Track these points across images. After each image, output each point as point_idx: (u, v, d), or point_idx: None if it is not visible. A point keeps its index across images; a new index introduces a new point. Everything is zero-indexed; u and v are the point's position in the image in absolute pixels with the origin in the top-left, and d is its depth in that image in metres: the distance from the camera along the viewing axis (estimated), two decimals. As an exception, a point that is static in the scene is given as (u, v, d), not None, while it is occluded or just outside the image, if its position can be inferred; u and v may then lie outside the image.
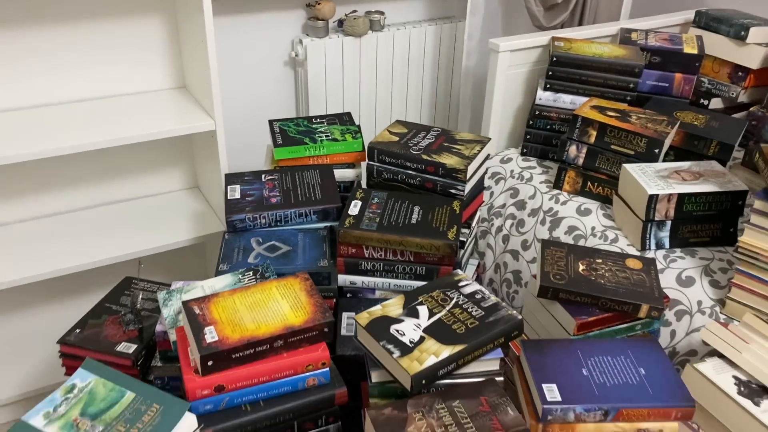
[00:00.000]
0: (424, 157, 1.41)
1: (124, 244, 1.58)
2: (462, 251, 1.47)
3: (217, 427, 0.98)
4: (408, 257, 1.30)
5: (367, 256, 1.31)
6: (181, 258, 1.90)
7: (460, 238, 1.46)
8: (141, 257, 1.63)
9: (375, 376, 1.04)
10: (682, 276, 1.32)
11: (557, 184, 1.62)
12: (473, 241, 1.65)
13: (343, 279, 1.34)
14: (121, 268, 1.82)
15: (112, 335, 1.23)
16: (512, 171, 1.74)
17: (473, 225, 1.54)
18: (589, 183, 1.58)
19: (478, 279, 1.71)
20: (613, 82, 1.65)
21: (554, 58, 1.66)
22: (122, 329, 1.24)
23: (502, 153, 1.82)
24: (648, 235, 1.40)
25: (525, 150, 1.78)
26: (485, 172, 1.56)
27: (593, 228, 1.50)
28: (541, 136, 1.75)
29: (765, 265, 1.17)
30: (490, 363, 1.06)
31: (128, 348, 1.19)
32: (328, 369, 1.05)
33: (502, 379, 1.06)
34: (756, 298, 1.20)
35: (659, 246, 1.40)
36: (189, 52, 1.61)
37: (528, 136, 1.77)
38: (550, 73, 1.69)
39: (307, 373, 1.03)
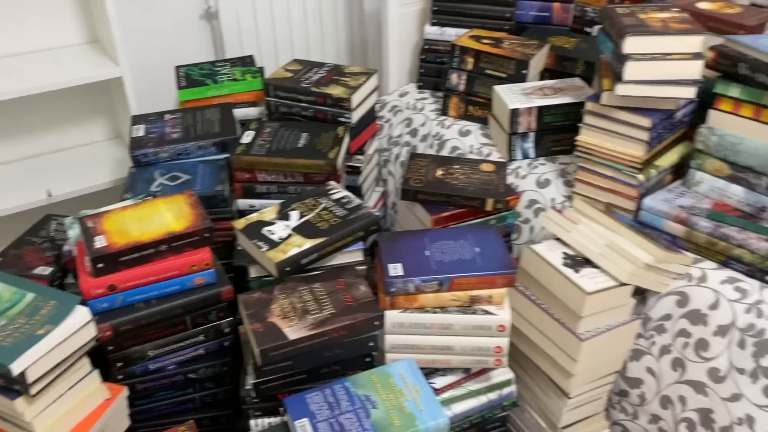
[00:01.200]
0: (314, 89, 1.56)
1: (45, 190, 1.71)
2: (361, 177, 1.64)
3: (113, 321, 1.14)
4: (298, 178, 1.45)
5: (260, 179, 1.46)
6: (106, 202, 2.04)
7: (355, 164, 1.63)
8: (62, 200, 1.76)
9: (253, 271, 1.20)
10: (540, 179, 1.49)
11: (444, 111, 1.78)
12: (375, 169, 1.81)
13: (243, 203, 1.49)
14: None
15: (30, 261, 1.38)
16: (408, 103, 1.89)
17: (370, 152, 1.70)
18: (470, 107, 1.74)
19: (384, 204, 1.87)
20: (491, 13, 1.80)
21: (436, -6, 1.80)
22: (39, 256, 1.38)
23: (402, 88, 1.97)
24: (514, 147, 1.56)
25: (421, 83, 1.93)
26: (377, 102, 1.71)
27: (471, 146, 1.66)
28: (433, 68, 1.89)
29: (599, 159, 1.34)
30: (353, 254, 1.23)
31: (45, 270, 1.34)
32: (213, 270, 1.21)
33: (364, 267, 1.23)
34: (596, 189, 1.37)
35: (525, 156, 1.57)
36: (97, 6, 1.72)
37: (422, 70, 1.91)
38: (435, 8, 1.83)
39: (193, 274, 1.19)
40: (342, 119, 1.56)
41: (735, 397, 1.12)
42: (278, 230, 1.19)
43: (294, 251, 1.14)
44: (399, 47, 1.98)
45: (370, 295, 1.12)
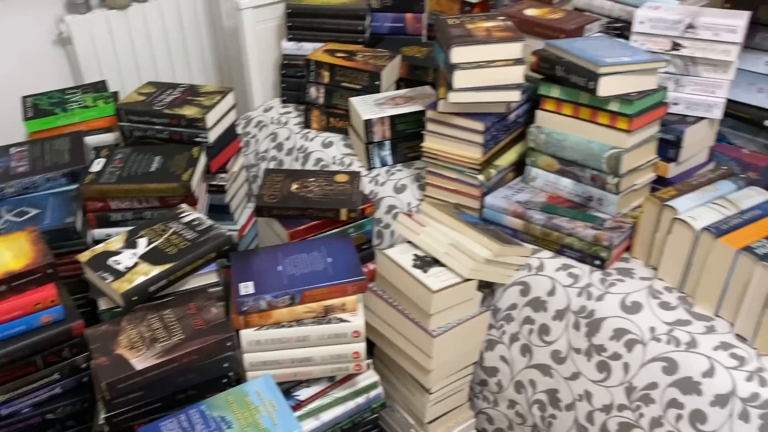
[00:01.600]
0: (167, 111, 1.54)
1: None
2: (227, 196, 1.63)
3: (-48, 370, 1.08)
4: (153, 203, 1.43)
5: (114, 207, 1.43)
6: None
7: (219, 183, 1.62)
8: None
9: (102, 304, 1.18)
10: (397, 185, 1.55)
11: (306, 124, 1.81)
12: (245, 185, 1.81)
13: (99, 233, 1.45)
14: None
15: None
16: (272, 118, 1.91)
17: (235, 170, 1.70)
18: (331, 119, 1.77)
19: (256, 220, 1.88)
20: (344, 27, 1.85)
21: (289, 10, 1.83)
22: None
23: (267, 103, 1.99)
24: (372, 155, 1.61)
25: (285, 98, 1.95)
26: (242, 118, 1.72)
27: (334, 157, 1.70)
28: (295, 83, 1.92)
29: (443, 163, 1.41)
30: (206, 276, 1.23)
31: None
32: (60, 306, 1.17)
33: (220, 288, 1.23)
34: (444, 191, 1.44)
35: (383, 163, 1.63)
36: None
37: (284, 85, 1.93)
38: (290, 24, 1.86)
39: (38, 312, 1.16)
40: (198, 139, 1.55)
41: (574, 376, 1.21)
42: (124, 259, 1.18)
43: (140, 279, 1.13)
44: (260, 63, 1.99)
45: (222, 316, 1.12)
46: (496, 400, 1.35)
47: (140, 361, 1.04)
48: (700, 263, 1.14)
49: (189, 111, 1.55)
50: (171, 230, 1.25)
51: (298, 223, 1.35)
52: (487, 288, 1.34)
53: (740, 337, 1.09)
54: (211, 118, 1.57)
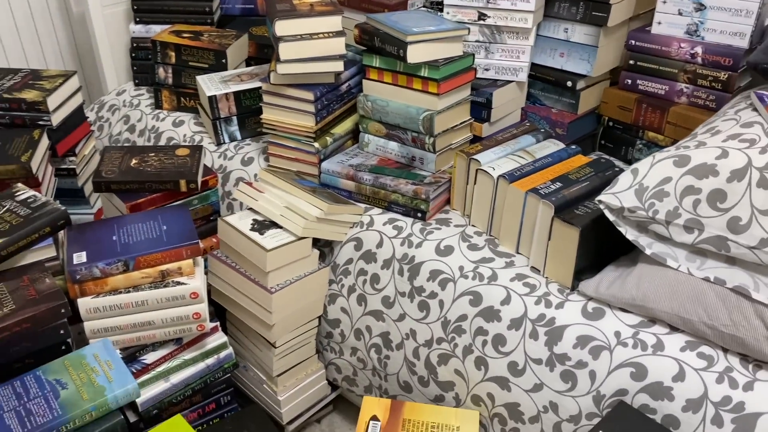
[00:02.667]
0: (5, 95, 1.54)
1: None
2: (80, 179, 1.64)
3: None
4: (-7, 187, 1.43)
5: (-50, 193, 1.41)
6: None
7: (69, 166, 1.63)
8: None
9: (-68, 284, 1.18)
10: (245, 158, 1.62)
11: (158, 105, 1.84)
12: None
13: (-63, 219, 1.44)
14: None
15: None
16: (125, 101, 1.92)
17: (86, 153, 1.71)
18: (182, 98, 1.82)
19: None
20: (192, 8, 1.89)
21: (131, -7, 1.85)
22: None
23: (120, 87, 1.99)
24: (220, 131, 1.67)
25: (137, 81, 1.97)
26: (84, 103, 1.72)
27: (185, 135, 1.75)
28: (146, 65, 1.94)
29: (282, 133, 1.49)
30: (44, 251, 1.25)
31: None
32: None
33: (58, 262, 1.26)
34: (285, 160, 1.53)
35: (233, 138, 1.69)
36: None
37: (135, 68, 1.95)
38: (135, 7, 1.88)
39: None
40: (41, 122, 1.56)
41: (401, 317, 1.33)
42: (-47, 238, 1.19)
43: (-31, 256, 1.15)
44: (110, 47, 1.99)
45: (54, 286, 1.16)
46: (341, 350, 1.45)
47: (-32, 333, 1.06)
48: (500, 207, 1.29)
49: (29, 95, 1.55)
50: (4, 208, 1.27)
51: (138, 197, 1.39)
52: (327, 246, 1.44)
53: (534, 269, 1.24)
54: (53, 101, 1.57)
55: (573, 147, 1.40)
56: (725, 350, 1.04)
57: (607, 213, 1.11)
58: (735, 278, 1.03)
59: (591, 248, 1.18)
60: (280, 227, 1.36)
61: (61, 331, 1.16)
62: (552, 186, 1.23)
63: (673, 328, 1.08)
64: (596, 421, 1.09)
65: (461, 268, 1.26)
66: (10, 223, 1.23)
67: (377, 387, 1.43)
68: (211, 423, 1.42)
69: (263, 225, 1.36)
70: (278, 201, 1.38)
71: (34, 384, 1.10)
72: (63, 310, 1.14)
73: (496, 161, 1.32)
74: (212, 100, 1.63)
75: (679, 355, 1.04)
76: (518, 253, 1.28)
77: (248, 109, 1.68)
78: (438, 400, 1.31)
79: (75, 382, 1.10)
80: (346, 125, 1.55)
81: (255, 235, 1.33)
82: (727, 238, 1.02)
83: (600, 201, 1.11)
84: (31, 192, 1.33)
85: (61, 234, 1.36)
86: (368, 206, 1.44)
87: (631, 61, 1.52)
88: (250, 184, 1.44)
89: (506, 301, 1.19)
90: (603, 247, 1.21)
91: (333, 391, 1.56)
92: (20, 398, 1.07)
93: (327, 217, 1.34)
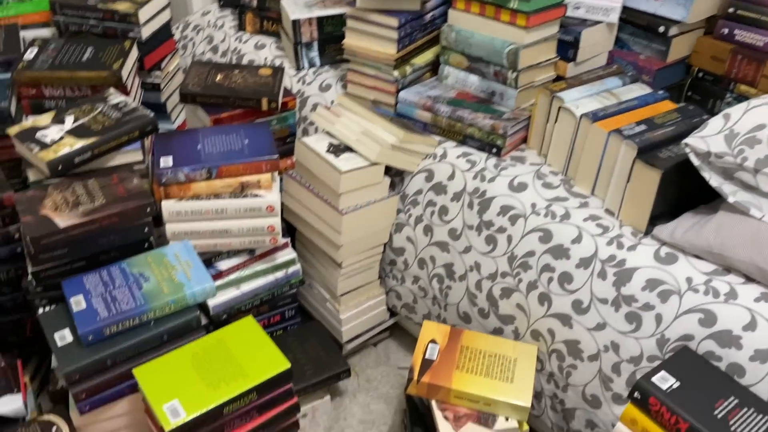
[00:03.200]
0: (99, 6, 1.59)
1: None
2: (163, 95, 1.70)
3: None
4: (85, 91, 1.50)
5: (47, 95, 1.49)
6: None
7: (154, 81, 1.69)
8: None
9: (31, 175, 1.26)
10: (323, 84, 1.63)
11: (240, 27, 1.87)
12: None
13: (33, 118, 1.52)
14: None
15: None
16: (209, 21, 1.96)
17: (170, 69, 1.76)
18: (264, 22, 1.84)
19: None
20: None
21: None
22: None
23: (205, 7, 2.03)
24: (300, 56, 1.69)
25: (222, 2, 2.00)
26: (171, 20, 1.76)
27: (266, 58, 1.77)
28: (232, -13, 1.96)
29: (362, 60, 1.50)
30: (131, 155, 1.31)
31: None
32: (-9, 176, 1.26)
33: (144, 165, 1.32)
34: (363, 88, 1.54)
35: (312, 64, 1.70)
36: None
37: (221, -11, 1.98)
38: (226, -73, 1.89)
39: (-30, 180, 1.24)
40: (132, 35, 1.61)
41: (467, 250, 1.34)
42: (51, 133, 1.26)
43: (66, 150, 1.21)
44: (199, -32, 2.02)
45: (142, 186, 1.22)
46: (403, 278, 1.48)
47: (63, 220, 1.14)
48: (580, 147, 1.27)
49: (122, 6, 1.60)
50: (98, 110, 1.33)
51: (222, 111, 1.43)
52: (398, 176, 1.45)
53: (609, 211, 1.23)
54: (143, 14, 1.62)
55: (661, 92, 1.36)
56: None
57: (692, 157, 1.09)
58: (823, 232, 0.99)
59: (670, 193, 1.16)
60: (355, 152, 1.38)
61: (146, 229, 1.23)
62: (636, 128, 1.20)
63: (749, 279, 1.06)
64: (657, 363, 1.09)
65: (533, 205, 1.26)
66: (103, 124, 1.29)
67: (436, 316, 1.46)
68: (275, 334, 1.48)
69: (338, 148, 1.39)
70: (355, 126, 1.39)
71: (119, 274, 1.17)
72: (149, 209, 1.20)
73: (580, 100, 1.29)
74: (295, 24, 1.64)
75: (753, 305, 1.02)
76: (593, 194, 1.27)
77: (330, 36, 1.68)
78: (496, 332, 1.33)
79: (156, 277, 1.17)
80: (427, 56, 1.54)
81: (330, 157, 1.35)
82: (820, 190, 0.98)
83: (686, 144, 1.08)
84: (122, 97, 1.39)
85: (148, 141, 1.42)
86: (442, 139, 1.44)
87: (731, 9, 1.44)
88: (328, 108, 1.45)
89: (577, 240, 1.19)
90: (682, 194, 1.19)
91: (391, 318, 1.60)
92: (107, 286, 1.15)
93: (401, 146, 1.36)
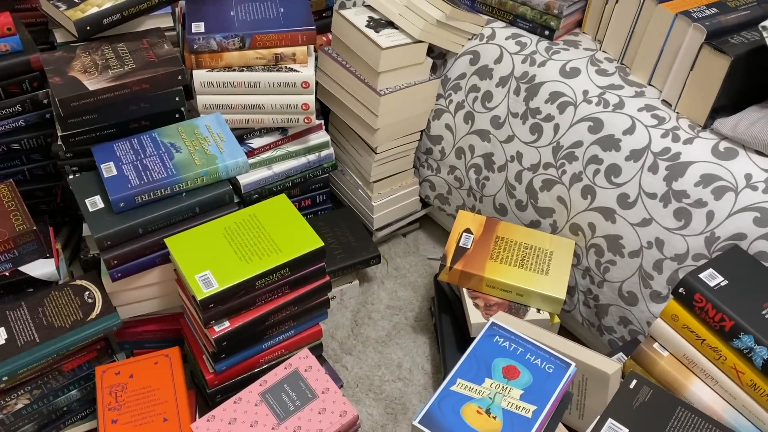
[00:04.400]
0: None
1: None
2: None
3: None
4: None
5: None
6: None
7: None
8: None
9: (58, 36, 1.20)
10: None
11: None
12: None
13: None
14: None
15: None
16: None
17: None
18: None
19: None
20: None
21: None
22: None
23: None
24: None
25: None
26: None
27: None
28: None
29: (408, -71, 1.38)
30: (162, 19, 1.25)
31: None
32: (17, 36, 1.20)
33: (175, 32, 1.26)
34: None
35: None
36: None
37: None
38: None
39: (-4, 39, 1.19)
40: None
41: (509, 139, 1.28)
42: (78, -8, 1.19)
43: (94, 10, 1.15)
44: None
45: (173, 52, 1.16)
46: (439, 167, 1.44)
47: (93, 83, 1.09)
48: (641, 31, 1.17)
49: None
50: (126, -29, 1.25)
51: (257, -22, 1.35)
52: (440, 59, 1.37)
53: (666, 102, 1.15)
54: None
55: (735, -25, 1.24)
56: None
57: (769, 43, 0.99)
58: None
59: (738, 84, 1.07)
60: (397, 28, 1.29)
61: (176, 98, 1.18)
62: (706, 11, 1.10)
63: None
64: (702, 263, 1.05)
65: (585, 93, 1.18)
66: (132, -15, 1.22)
67: (470, 207, 1.42)
68: (306, 218, 1.46)
69: (380, 23, 1.30)
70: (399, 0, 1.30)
71: (150, 144, 1.14)
72: (180, 77, 1.15)
73: (646, -21, 1.18)
74: None
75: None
76: (650, 84, 1.18)
77: None
78: (533, 225, 1.29)
79: (188, 148, 1.13)
80: (478, -71, 1.42)
81: (370, 32, 1.27)
82: None
83: (764, 27, 0.98)
84: (152, -41, 1.30)
85: (179, 9, 1.35)
86: (491, 18, 1.34)
87: None
88: (369, -21, 1.36)
89: (630, 131, 1.12)
90: (750, 86, 1.10)
91: (423, 208, 1.57)
92: (137, 154, 1.12)
93: (447, 22, 1.27)
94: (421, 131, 1.42)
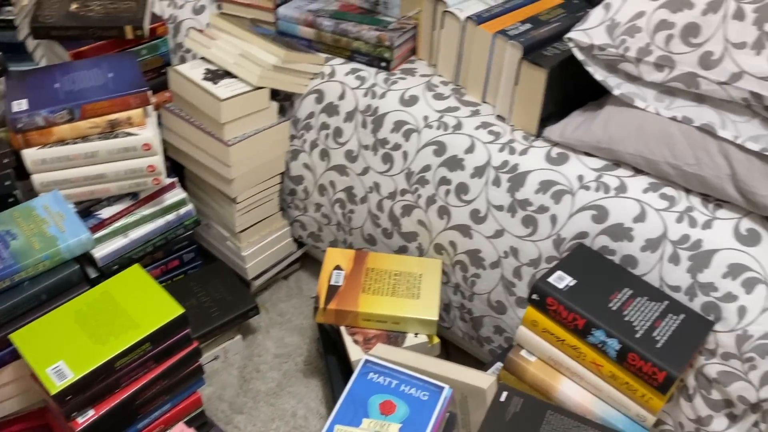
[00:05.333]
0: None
1: None
2: (20, 33, 1.52)
3: None
4: None
5: None
6: None
7: (8, 17, 1.50)
8: None
9: None
10: (196, 6, 1.50)
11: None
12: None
13: None
14: None
15: None
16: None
17: (25, 3, 1.57)
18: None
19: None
20: None
21: None
22: None
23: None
24: (169, -22, 1.54)
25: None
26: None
27: (132, -17, 1.61)
28: None
29: (235, -24, 1.38)
30: (-20, 101, 1.18)
31: None
32: None
33: (-2, 113, 1.19)
34: (239, 7, 1.41)
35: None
36: None
37: None
38: None
39: None
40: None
41: (365, 171, 1.29)
42: None
43: None
44: None
45: (-6, 134, 1.10)
46: (305, 206, 1.43)
47: None
48: (468, 53, 1.22)
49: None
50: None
51: (82, 44, 1.29)
52: (287, 100, 1.37)
53: (500, 117, 1.20)
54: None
55: (546, -11, 1.32)
56: (687, 191, 1.03)
57: (575, 52, 1.06)
58: (702, 116, 1.00)
59: (558, 92, 1.14)
60: (235, 77, 1.28)
61: (7, 182, 1.11)
62: (521, 27, 1.16)
63: (638, 171, 1.06)
64: (555, 264, 1.10)
65: (426, 118, 1.21)
66: (-60, 69, 1.14)
67: (342, 241, 1.42)
68: (174, 280, 1.41)
69: (217, 74, 1.29)
70: (232, 49, 1.29)
71: (-18, 235, 1.06)
72: (6, 160, 1.09)
73: (464, 3, 1.24)
74: (158, -59, 1.49)
75: (642, 196, 1.03)
76: (484, 102, 1.23)
77: (199, -47, 1.54)
78: (401, 251, 1.31)
79: (25, 233, 1.07)
80: (305, -31, 1.44)
81: (208, 85, 1.25)
82: (697, 75, 0.98)
83: (569, 39, 1.05)
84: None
85: (1, 85, 1.28)
86: (329, 56, 1.36)
87: None
88: (201, 30, 1.34)
89: (470, 149, 1.16)
90: (571, 93, 1.17)
91: (299, 249, 1.56)
92: (-32, 249, 1.04)
93: (285, 66, 1.27)
94: (282, 173, 1.42)
